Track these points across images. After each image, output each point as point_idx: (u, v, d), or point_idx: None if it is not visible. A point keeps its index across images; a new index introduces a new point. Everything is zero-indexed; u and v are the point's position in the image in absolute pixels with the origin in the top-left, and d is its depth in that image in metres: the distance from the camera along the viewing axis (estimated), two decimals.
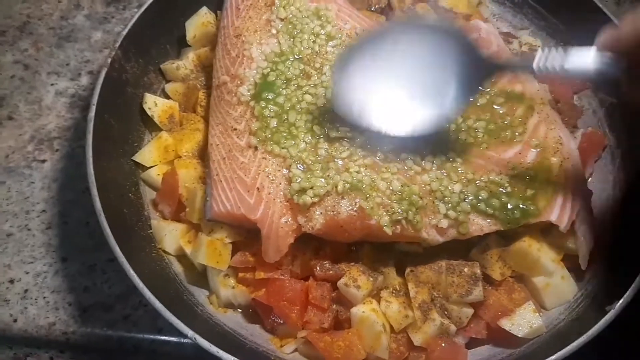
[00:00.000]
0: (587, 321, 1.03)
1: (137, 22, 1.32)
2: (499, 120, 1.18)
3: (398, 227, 1.06)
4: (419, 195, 1.08)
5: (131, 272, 1.06)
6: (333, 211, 1.07)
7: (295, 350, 1.13)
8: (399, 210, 1.06)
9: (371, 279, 1.10)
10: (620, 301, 1.02)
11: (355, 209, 1.06)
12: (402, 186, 1.08)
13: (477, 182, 1.11)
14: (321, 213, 1.07)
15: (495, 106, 1.19)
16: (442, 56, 1.03)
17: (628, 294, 1.03)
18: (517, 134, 1.16)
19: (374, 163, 1.11)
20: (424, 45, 1.04)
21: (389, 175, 1.09)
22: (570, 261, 1.14)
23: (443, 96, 1.05)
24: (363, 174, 1.09)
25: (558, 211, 1.11)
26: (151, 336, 1.25)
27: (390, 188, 1.08)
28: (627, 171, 1.26)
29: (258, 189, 1.11)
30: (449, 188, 1.10)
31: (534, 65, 0.94)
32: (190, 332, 1.01)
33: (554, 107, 1.27)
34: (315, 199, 1.06)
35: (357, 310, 1.09)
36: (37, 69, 1.61)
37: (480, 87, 1.06)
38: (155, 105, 1.34)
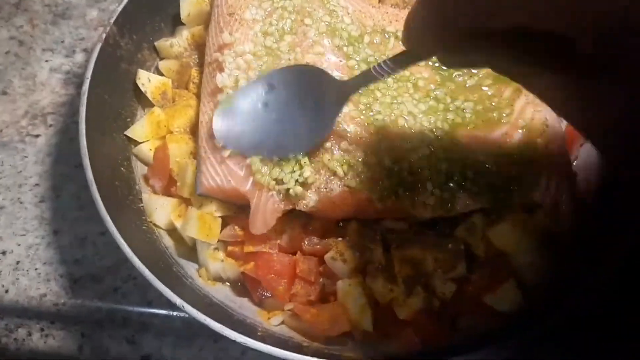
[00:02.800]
0: (567, 298, 1.06)
1: (132, 0, 1.33)
2: (487, 102, 1.19)
3: (388, 202, 1.09)
4: (408, 172, 1.10)
5: (122, 242, 1.08)
6: (326, 188, 1.09)
7: (282, 322, 1.15)
8: (390, 184, 1.08)
9: (357, 254, 1.12)
10: (601, 279, 1.04)
11: (347, 185, 1.08)
12: (392, 163, 1.10)
13: (464, 161, 1.13)
14: (315, 191, 1.09)
15: (483, 87, 1.21)
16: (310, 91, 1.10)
17: (609, 273, 1.05)
18: (504, 115, 1.18)
19: (366, 139, 1.13)
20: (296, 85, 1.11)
21: (380, 152, 1.11)
22: (552, 241, 1.16)
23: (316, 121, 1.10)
24: (356, 150, 1.11)
25: (542, 191, 1.13)
26: (140, 309, 1.27)
27: (381, 163, 1.10)
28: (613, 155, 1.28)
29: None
30: (437, 166, 1.12)
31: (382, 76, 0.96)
32: (179, 301, 1.03)
33: None
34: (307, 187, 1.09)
35: (343, 284, 1.11)
36: (31, 45, 1.61)
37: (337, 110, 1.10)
38: (148, 81, 1.35)
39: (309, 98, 1.10)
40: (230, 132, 1.12)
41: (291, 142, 1.10)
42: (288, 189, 1.08)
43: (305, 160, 1.09)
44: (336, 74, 1.17)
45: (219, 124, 1.12)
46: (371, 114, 1.16)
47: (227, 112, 1.12)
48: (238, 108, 1.12)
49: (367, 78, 1.02)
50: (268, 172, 1.10)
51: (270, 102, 1.11)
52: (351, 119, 1.15)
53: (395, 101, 1.17)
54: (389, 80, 1.20)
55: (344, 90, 1.07)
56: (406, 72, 1.21)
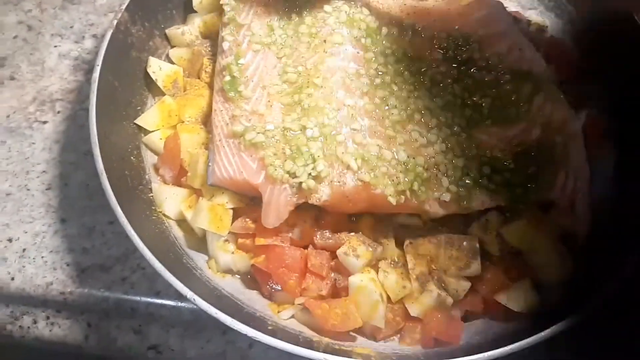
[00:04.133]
0: (582, 299, 1.04)
1: None
2: (505, 98, 1.18)
3: (402, 197, 1.07)
4: (423, 167, 1.09)
5: (132, 233, 1.06)
6: (339, 182, 1.07)
7: (292, 316, 1.14)
8: (405, 180, 1.07)
9: (370, 249, 1.11)
10: (616, 280, 1.03)
11: (361, 178, 1.07)
12: (407, 157, 1.09)
13: (481, 157, 1.12)
14: (327, 184, 1.08)
15: (501, 83, 1.19)
16: None
17: (625, 272, 1.03)
18: (522, 111, 1.16)
19: (381, 133, 1.11)
20: None
21: (396, 146, 1.10)
22: (568, 239, 1.15)
23: None
24: (371, 144, 1.09)
25: (559, 189, 1.12)
26: (148, 299, 1.25)
27: (396, 158, 1.08)
28: (629, 154, 1.26)
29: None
30: (453, 162, 1.11)
31: None
32: (189, 293, 1.01)
33: (559, 87, 1.27)
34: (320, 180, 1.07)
35: (355, 279, 1.09)
36: (40, 30, 1.59)
37: None
38: (159, 69, 1.33)
39: None
40: None
41: None
42: (301, 183, 1.06)
43: (319, 153, 1.08)
44: (352, 66, 1.16)
45: None
46: (386, 107, 1.15)
47: None
48: None
49: None
50: (281, 165, 1.08)
51: None
52: (366, 112, 1.13)
53: (412, 95, 1.16)
54: (406, 73, 1.18)
55: None
56: (424, 66, 1.19)
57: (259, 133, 1.10)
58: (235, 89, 1.15)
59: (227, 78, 1.16)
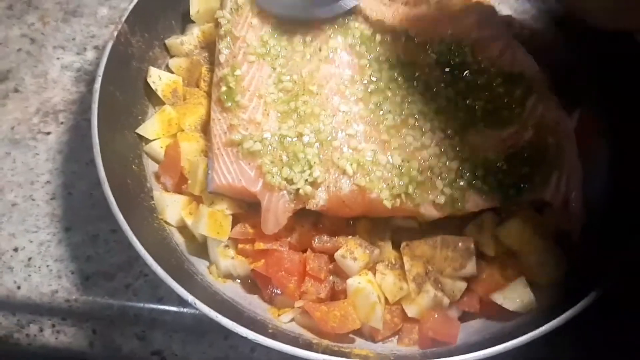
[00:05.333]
0: (576, 297, 1.05)
1: None
2: (497, 100, 1.20)
3: (397, 201, 1.09)
4: (418, 171, 1.11)
5: (134, 240, 1.08)
6: (335, 187, 1.09)
7: (292, 319, 1.16)
8: (400, 183, 1.08)
9: (367, 252, 1.13)
10: (609, 278, 1.04)
11: (356, 183, 1.09)
12: (402, 161, 1.11)
13: (475, 159, 1.14)
14: (324, 190, 1.10)
15: (494, 86, 1.21)
16: None
17: (616, 271, 1.05)
18: (515, 113, 1.18)
19: (376, 138, 1.13)
20: None
21: (390, 150, 1.12)
22: (562, 239, 1.16)
23: None
24: (366, 148, 1.11)
25: (552, 190, 1.13)
26: (151, 305, 1.27)
27: (391, 162, 1.10)
28: (621, 154, 1.28)
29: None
30: (447, 165, 1.13)
31: None
32: (190, 298, 1.03)
33: (552, 89, 1.28)
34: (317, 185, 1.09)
35: (353, 282, 1.11)
36: (43, 43, 1.62)
37: None
38: (159, 79, 1.36)
39: None
40: None
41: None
42: (298, 189, 1.08)
43: (315, 159, 1.10)
44: (347, 73, 1.18)
45: None
46: (381, 112, 1.17)
47: None
48: None
49: None
50: (278, 172, 1.10)
51: None
52: (361, 117, 1.15)
53: (405, 100, 1.17)
54: (400, 79, 1.20)
55: None
56: (417, 71, 1.21)
57: (256, 141, 1.13)
58: (232, 99, 1.18)
59: (224, 89, 1.19)
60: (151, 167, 1.32)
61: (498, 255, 1.15)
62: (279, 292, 1.16)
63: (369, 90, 1.17)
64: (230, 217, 1.18)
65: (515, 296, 1.11)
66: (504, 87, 1.21)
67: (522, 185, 1.12)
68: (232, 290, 1.20)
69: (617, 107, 1.31)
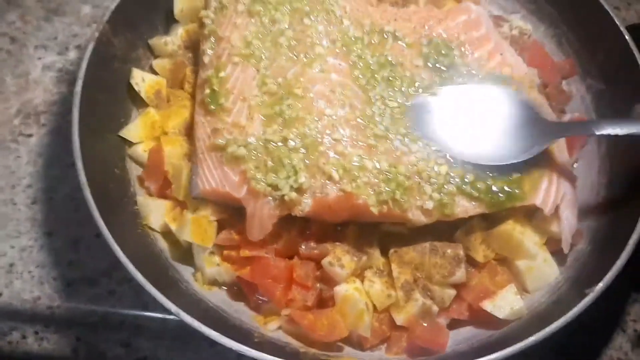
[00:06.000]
0: (567, 304, 1.04)
1: None
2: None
3: (384, 207, 1.07)
4: (405, 176, 1.09)
5: (115, 247, 1.06)
6: (321, 193, 1.07)
7: (279, 327, 1.14)
8: (387, 189, 1.06)
9: (355, 259, 1.11)
10: (600, 284, 1.03)
11: (343, 189, 1.07)
12: (389, 166, 1.09)
13: (464, 164, 1.12)
14: (310, 195, 1.07)
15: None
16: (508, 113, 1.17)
17: (608, 278, 1.04)
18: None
19: (362, 143, 1.11)
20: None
21: (377, 155, 1.10)
22: (552, 245, 1.15)
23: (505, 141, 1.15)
24: (352, 153, 1.09)
25: (543, 195, 1.12)
26: (136, 312, 1.26)
27: (378, 167, 1.08)
28: (612, 158, 1.27)
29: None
30: (435, 170, 1.11)
31: (597, 132, 1.06)
32: (173, 308, 1.01)
33: (542, 91, 1.26)
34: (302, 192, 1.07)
35: (341, 289, 1.09)
36: (24, 42, 1.59)
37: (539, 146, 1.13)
38: (142, 80, 1.33)
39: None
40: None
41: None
42: (283, 195, 1.06)
43: (300, 165, 1.07)
44: (333, 76, 1.15)
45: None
46: (368, 116, 1.14)
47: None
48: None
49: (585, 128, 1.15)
50: (263, 178, 1.08)
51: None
52: (347, 122, 1.13)
53: (392, 103, 1.16)
54: (387, 81, 1.19)
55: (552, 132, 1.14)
56: (405, 73, 1.20)
57: (240, 146, 1.10)
58: (216, 102, 1.15)
59: (208, 91, 1.16)
60: (135, 170, 1.30)
61: (488, 261, 1.14)
62: (265, 299, 1.14)
63: (355, 93, 1.15)
64: (215, 223, 1.16)
65: (505, 304, 1.09)
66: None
67: (511, 190, 1.10)
68: (218, 298, 1.18)
69: (609, 109, 1.30)
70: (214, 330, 1.00)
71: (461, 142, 1.14)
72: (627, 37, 1.24)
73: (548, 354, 1.15)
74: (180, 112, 1.29)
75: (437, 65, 1.20)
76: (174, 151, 1.23)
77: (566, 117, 1.30)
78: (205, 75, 1.19)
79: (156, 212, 1.22)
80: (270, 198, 1.07)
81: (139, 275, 1.04)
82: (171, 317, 1.24)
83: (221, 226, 1.17)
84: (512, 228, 1.12)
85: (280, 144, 1.10)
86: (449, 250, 1.11)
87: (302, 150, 1.09)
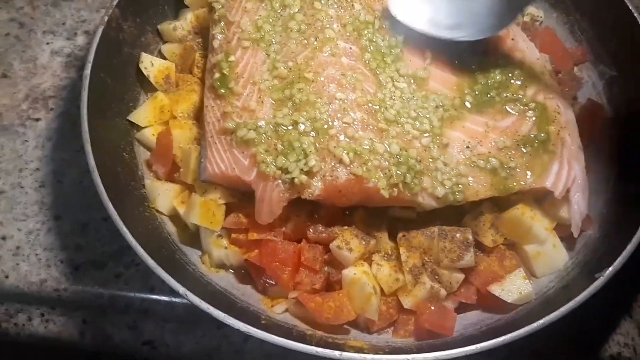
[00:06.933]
0: (575, 289, 1.04)
1: None
2: (498, 88, 1.17)
3: (395, 190, 1.07)
4: (416, 160, 1.08)
5: (124, 230, 1.06)
6: (331, 176, 1.07)
7: (286, 310, 1.14)
8: (398, 172, 1.06)
9: (363, 243, 1.11)
10: (610, 269, 1.03)
11: (353, 172, 1.06)
12: (400, 150, 1.08)
13: (474, 148, 1.11)
14: (320, 179, 1.07)
15: (494, 73, 1.19)
16: None
17: (617, 262, 1.03)
18: (515, 102, 1.16)
19: (373, 126, 1.11)
20: None
21: (388, 139, 1.09)
22: (562, 230, 1.15)
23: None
24: (363, 137, 1.09)
25: (553, 178, 1.11)
26: (142, 295, 1.26)
27: (389, 151, 1.08)
28: (623, 143, 1.26)
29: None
30: (446, 153, 1.10)
31: None
32: (181, 289, 1.01)
33: (554, 77, 1.26)
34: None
35: (349, 272, 1.09)
36: (32, 27, 1.59)
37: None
38: (151, 65, 1.33)
39: None
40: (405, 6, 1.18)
41: (468, 22, 1.15)
42: (293, 178, 1.06)
43: (310, 148, 1.07)
44: (344, 60, 1.15)
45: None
46: (379, 100, 1.14)
47: None
48: None
49: None
50: (273, 161, 1.07)
51: None
52: (358, 105, 1.13)
53: (404, 87, 1.15)
54: (398, 65, 1.18)
55: None
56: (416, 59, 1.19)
57: (250, 130, 1.10)
58: (225, 86, 1.15)
59: (217, 75, 1.16)
60: (143, 155, 1.30)
61: (496, 246, 1.13)
62: (272, 282, 1.14)
63: (367, 77, 1.15)
64: (224, 207, 1.16)
65: (513, 288, 1.09)
66: (505, 75, 1.18)
67: (522, 174, 1.10)
68: (225, 281, 1.18)
69: (621, 95, 1.29)
70: (221, 312, 1.00)
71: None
72: None
73: (555, 339, 1.14)
74: (189, 96, 1.29)
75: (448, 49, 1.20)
76: (182, 135, 1.23)
77: (578, 103, 1.29)
78: (214, 59, 1.19)
79: (164, 196, 1.22)
80: (280, 181, 1.07)
81: (147, 258, 1.04)
82: (178, 300, 1.24)
83: (229, 209, 1.17)
84: (522, 212, 1.11)
85: (290, 127, 1.10)
86: (457, 235, 1.11)
87: (313, 133, 1.09)
